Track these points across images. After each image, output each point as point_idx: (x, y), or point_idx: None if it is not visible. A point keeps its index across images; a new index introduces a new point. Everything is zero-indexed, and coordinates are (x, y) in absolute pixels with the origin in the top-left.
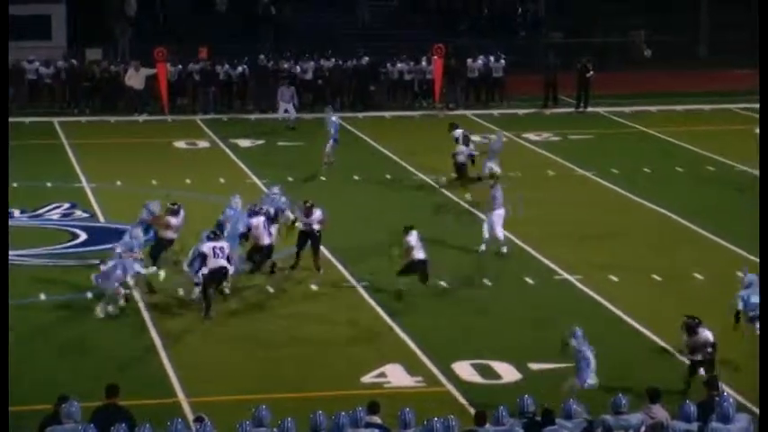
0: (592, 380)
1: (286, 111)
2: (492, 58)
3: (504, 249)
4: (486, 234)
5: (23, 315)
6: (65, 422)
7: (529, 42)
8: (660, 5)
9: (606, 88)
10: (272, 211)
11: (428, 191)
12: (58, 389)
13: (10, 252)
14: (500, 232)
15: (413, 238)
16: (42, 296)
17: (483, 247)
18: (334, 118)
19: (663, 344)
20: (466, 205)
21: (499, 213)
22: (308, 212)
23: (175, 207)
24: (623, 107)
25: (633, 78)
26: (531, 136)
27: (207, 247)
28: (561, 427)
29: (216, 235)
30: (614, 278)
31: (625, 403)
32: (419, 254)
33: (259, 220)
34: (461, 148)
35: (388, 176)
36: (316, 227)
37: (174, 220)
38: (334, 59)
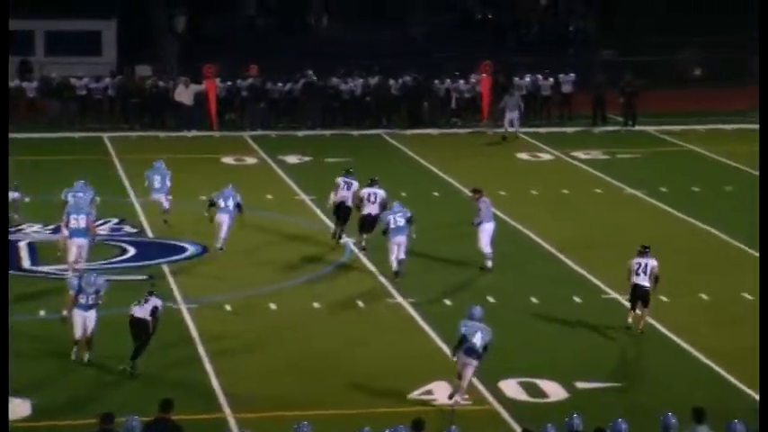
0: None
1: (511, 122)
2: (540, 76)
3: (489, 264)
4: (486, 249)
5: (59, 333)
6: None
7: (578, 60)
8: (711, 24)
9: (656, 106)
10: None
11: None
12: (104, 404)
13: (59, 266)
14: (487, 247)
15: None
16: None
17: (489, 264)
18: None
19: (707, 362)
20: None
21: (488, 227)
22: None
23: None
24: (672, 125)
25: (682, 96)
26: (580, 154)
27: None
28: None
29: None
30: (664, 298)
31: (674, 423)
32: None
33: None
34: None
35: (436, 194)
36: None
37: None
38: (379, 76)
